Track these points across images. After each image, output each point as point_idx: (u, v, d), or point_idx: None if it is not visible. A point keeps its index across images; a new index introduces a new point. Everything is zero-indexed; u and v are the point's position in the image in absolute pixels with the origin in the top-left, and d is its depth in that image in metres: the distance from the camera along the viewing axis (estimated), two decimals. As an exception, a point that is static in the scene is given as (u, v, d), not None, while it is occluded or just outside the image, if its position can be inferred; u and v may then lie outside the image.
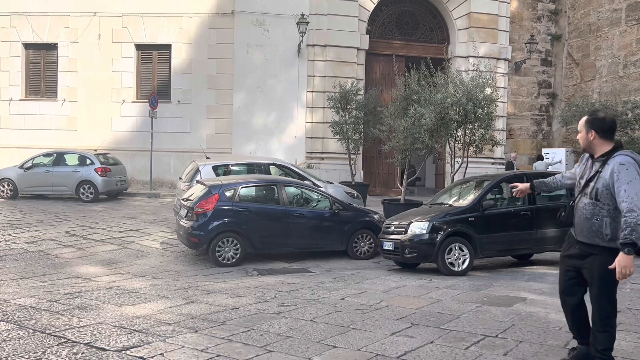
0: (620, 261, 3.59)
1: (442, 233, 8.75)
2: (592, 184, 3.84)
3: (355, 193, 13.83)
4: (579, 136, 4.01)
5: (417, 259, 8.92)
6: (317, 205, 10.79)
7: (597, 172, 3.82)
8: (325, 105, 19.59)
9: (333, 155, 19.87)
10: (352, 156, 18.09)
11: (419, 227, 8.82)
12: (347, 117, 17.51)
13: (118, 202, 17.50)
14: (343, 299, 6.87)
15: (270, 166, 13.14)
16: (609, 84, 20.19)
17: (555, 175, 4.54)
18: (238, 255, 9.87)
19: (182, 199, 10.60)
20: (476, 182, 9.84)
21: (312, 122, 20.08)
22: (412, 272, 9.33)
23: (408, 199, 14.16)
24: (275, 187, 10.43)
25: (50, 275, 8.88)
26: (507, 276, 8.81)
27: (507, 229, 9.14)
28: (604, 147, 3.85)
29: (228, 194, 9.98)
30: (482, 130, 10.81)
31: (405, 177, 14.10)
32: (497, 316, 5.92)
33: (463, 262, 8.84)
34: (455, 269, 8.79)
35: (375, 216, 11.11)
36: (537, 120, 22.66)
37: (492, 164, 21.33)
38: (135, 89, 20.90)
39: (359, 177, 19.38)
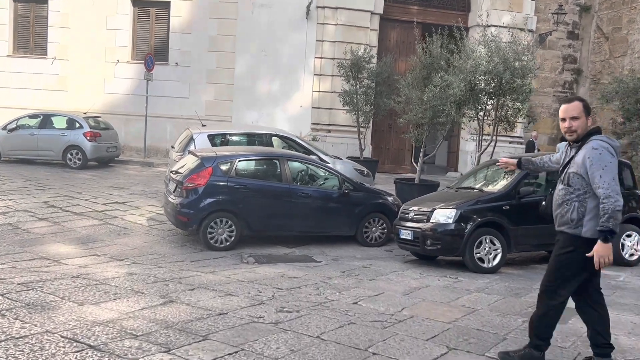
0: (598, 250, 3.52)
1: (471, 223, 7.48)
2: (566, 170, 3.77)
3: (366, 170, 12.53)
4: (576, 124, 3.74)
5: (440, 252, 7.66)
6: (324, 183, 9.50)
7: (572, 157, 3.75)
8: (334, 73, 18.14)
9: (341, 127, 18.50)
10: (361, 129, 16.74)
11: (444, 215, 7.54)
12: (357, 86, 16.09)
13: (108, 170, 16.24)
14: (356, 302, 5.63)
15: (273, 137, 11.80)
16: (642, 61, 18.66)
17: (543, 156, 4.35)
18: (233, 238, 8.63)
19: (172, 171, 9.32)
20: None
21: (319, 91, 18.66)
22: (431, 265, 8.08)
23: (423, 179, 12.87)
24: (277, 162, 9.13)
25: (13, 255, 7.65)
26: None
27: (542, 220, 7.82)
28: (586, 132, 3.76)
29: (223, 167, 8.69)
30: (518, 104, 9.44)
31: (421, 154, 12.77)
32: (554, 339, 4.68)
33: (494, 258, 7.59)
34: (485, 265, 7.55)
35: (390, 198, 9.84)
36: (560, 98, 21.16)
37: (510, 142, 19.94)
38: (130, 49, 19.43)
39: (368, 152, 18.04)
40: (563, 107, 3.84)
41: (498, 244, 7.56)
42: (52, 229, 9.18)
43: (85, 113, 16.89)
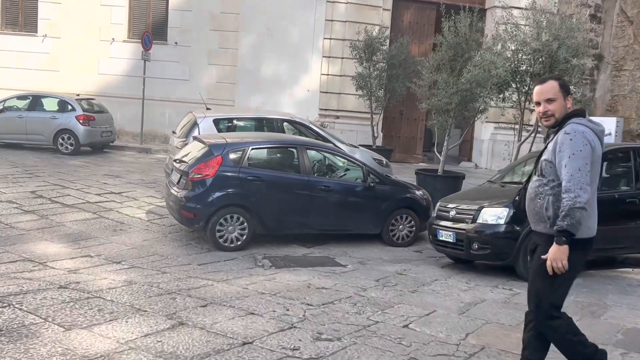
0: (551, 252, 3.10)
1: (527, 225, 6.41)
2: (540, 158, 3.35)
3: (385, 160, 11.47)
4: (553, 107, 3.27)
5: (489, 257, 6.63)
6: (347, 175, 8.45)
7: (547, 144, 3.33)
8: (344, 56, 17.03)
9: (351, 114, 17.41)
10: (374, 116, 15.66)
11: (493, 214, 6.51)
12: (371, 69, 14.98)
13: (102, 157, 15.11)
14: (407, 326, 4.62)
15: (284, 123, 10.71)
16: (670, 47, 17.61)
17: None
18: (244, 237, 7.58)
19: (175, 160, 8.24)
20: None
21: (328, 75, 17.53)
22: (474, 272, 7.06)
23: (447, 170, 11.83)
24: (295, 151, 8.05)
25: (-8, 256, 6.59)
26: (608, 285, 6.56)
27: (607, 221, 6.78)
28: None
29: (234, 156, 7.62)
30: (572, 87, 8.40)
31: (445, 143, 11.71)
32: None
33: (550, 265, 6.55)
34: (539, 273, 6.51)
35: (418, 192, 8.79)
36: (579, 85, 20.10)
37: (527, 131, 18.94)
38: (126, 27, 18.16)
39: (379, 140, 16.97)
40: (537, 88, 3.35)
41: (554, 249, 6.54)
42: (39, 224, 8.10)
43: (78, 95, 15.72)
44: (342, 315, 4.78)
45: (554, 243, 3.08)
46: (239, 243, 7.56)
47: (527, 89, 8.40)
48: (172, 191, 7.78)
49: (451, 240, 6.93)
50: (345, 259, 7.51)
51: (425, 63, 11.67)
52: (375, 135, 15.48)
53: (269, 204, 7.67)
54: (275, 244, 7.97)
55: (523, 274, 6.49)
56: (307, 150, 8.07)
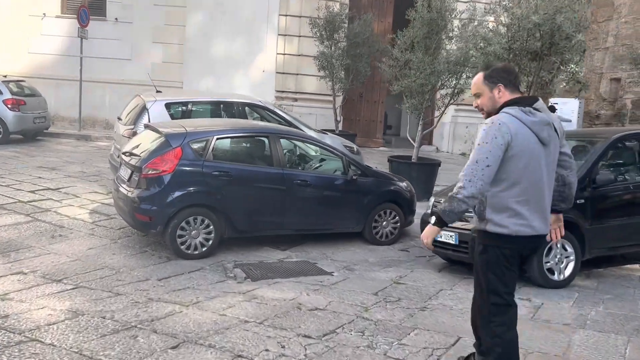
0: (426, 229, 3.16)
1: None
2: None
3: (355, 147, 10.55)
4: (480, 101, 3.19)
5: (499, 261, 5.78)
6: (325, 167, 7.45)
7: None
8: (301, 34, 15.93)
9: (310, 96, 16.37)
10: (335, 98, 14.70)
11: (502, 213, 5.65)
12: (333, 48, 13.95)
13: (36, 145, 13.50)
14: (436, 364, 3.69)
15: (246, 107, 9.58)
16: (630, 26, 17.37)
17: None
18: (210, 242, 6.49)
19: (124, 153, 7.00)
20: (574, 143, 6.72)
21: (284, 54, 16.39)
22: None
23: (421, 157, 11.04)
24: (266, 140, 6.98)
25: None
26: (628, 288, 5.87)
27: (625, 214, 6.16)
28: None
29: (196, 148, 6.48)
30: (573, 65, 7.66)
31: (420, 127, 10.90)
32: None
33: (565, 267, 5.81)
34: (555, 277, 5.77)
35: (402, 184, 7.91)
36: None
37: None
38: (59, 1, 16.38)
39: (339, 124, 16.03)
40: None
41: (570, 249, 5.79)
42: (-42, 232, 6.74)
43: (5, 76, 13.98)
44: (352, 352, 3.82)
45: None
46: (204, 249, 6.46)
47: (527, 67, 7.57)
48: (122, 190, 6.58)
49: (453, 242, 6.08)
50: (328, 264, 6.56)
51: (398, 41, 10.75)
52: (338, 119, 14.50)
53: (238, 202, 6.59)
54: (245, 248, 6.91)
55: (537, 279, 5.72)
56: (281, 140, 7.01)
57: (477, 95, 3.20)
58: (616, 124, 18.16)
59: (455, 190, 2.98)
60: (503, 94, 3.11)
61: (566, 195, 3.35)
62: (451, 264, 6.74)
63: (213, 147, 6.55)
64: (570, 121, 17.14)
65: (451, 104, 10.83)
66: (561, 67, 7.59)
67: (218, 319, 4.39)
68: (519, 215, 3.02)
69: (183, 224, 6.33)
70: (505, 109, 3.05)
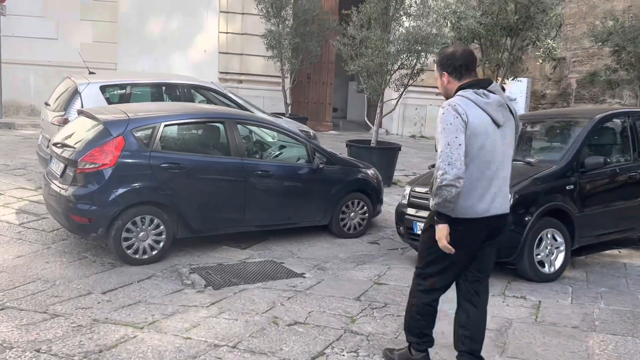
0: (436, 232, 3.03)
1: (532, 213, 5.16)
2: None
3: (312, 132, 9.89)
4: (437, 83, 3.26)
5: (487, 256, 5.28)
6: (287, 155, 6.75)
7: None
8: (245, 11, 15.00)
9: (256, 77, 15.49)
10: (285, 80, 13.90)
11: (491, 202, 5.14)
12: (280, 26, 13.12)
13: (-51, 136, 12.06)
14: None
15: (193, 90, 8.70)
16: (574, 5, 17.42)
17: None
18: (161, 245, 5.68)
19: (55, 144, 6.03)
20: (552, 124, 6.32)
21: (227, 33, 15.42)
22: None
23: (381, 141, 10.51)
24: (222, 127, 6.18)
25: None
26: (619, 278, 5.50)
27: (612, 200, 5.81)
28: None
29: (141, 136, 5.62)
30: (550, 41, 7.19)
31: (379, 109, 10.34)
32: None
33: (555, 259, 5.39)
34: (546, 270, 5.34)
35: (370, 172, 7.31)
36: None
37: (437, 94, 18.17)
38: (-29, -27, 14.71)
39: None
40: None
41: (560, 239, 5.37)
42: None
43: None
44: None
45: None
46: (154, 253, 5.64)
47: (502, 44, 7.08)
48: (54, 187, 5.64)
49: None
50: (296, 263, 5.89)
51: (351, 17, 10.09)
52: (288, 101, 13.74)
53: (192, 198, 5.79)
54: (200, 249, 6.14)
55: (527, 273, 5.27)
56: (238, 125, 6.23)
57: (437, 79, 3.25)
58: (561, 103, 18.30)
59: (438, 179, 2.92)
60: (450, 82, 3.16)
61: None
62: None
63: (161, 136, 5.70)
64: (515, 99, 17.09)
65: (410, 85, 10.32)
66: (537, 43, 7.17)
67: (182, 345, 3.64)
68: (469, 197, 3.03)
69: (129, 225, 5.48)
70: (458, 93, 3.09)
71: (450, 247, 3.00)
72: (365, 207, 7.06)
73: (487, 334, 4.02)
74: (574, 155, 5.54)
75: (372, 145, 10.06)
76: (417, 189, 5.87)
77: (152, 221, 5.60)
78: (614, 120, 6.09)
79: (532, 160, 5.66)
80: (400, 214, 5.96)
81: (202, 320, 4.13)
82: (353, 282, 5.26)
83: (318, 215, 6.73)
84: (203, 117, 6.22)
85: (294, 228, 6.74)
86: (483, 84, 3.12)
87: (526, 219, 5.13)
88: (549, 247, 5.30)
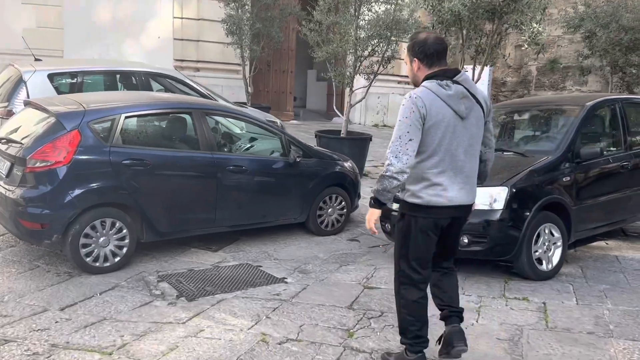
0: (368, 213, 3.19)
1: (532, 208, 4.84)
2: None
3: (279, 122, 9.40)
4: (407, 69, 3.23)
5: (484, 254, 4.92)
6: (261, 148, 6.24)
7: None
8: (201, -5, 14.26)
9: (214, 65, 14.80)
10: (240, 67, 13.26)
11: (488, 196, 4.78)
12: (240, 11, 12.47)
13: None
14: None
15: (151, 78, 8.05)
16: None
17: None
18: (125, 250, 5.10)
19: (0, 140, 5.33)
20: (540, 112, 6.02)
21: (182, 18, 14.64)
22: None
23: (350, 131, 10.10)
24: (189, 118, 5.61)
25: None
26: (616, 273, 5.26)
27: (605, 191, 5.57)
28: None
29: (99, 129, 5.00)
30: (535, 24, 6.85)
31: (348, 98, 9.91)
32: None
33: (552, 255, 5.09)
34: (543, 267, 5.03)
35: (347, 165, 6.88)
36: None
37: (399, 83, 17.91)
38: None
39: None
40: None
41: (557, 234, 5.07)
42: None
43: None
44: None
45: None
46: (116, 260, 5.06)
47: (480, 30, 6.73)
48: (0, 189, 4.97)
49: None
50: (275, 266, 5.41)
51: (318, 1, 9.59)
52: (250, 90, 13.13)
53: (158, 198, 5.23)
54: (167, 252, 5.59)
55: (525, 271, 4.95)
56: (207, 116, 5.67)
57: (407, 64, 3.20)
58: (522, 90, 18.34)
59: (384, 168, 3.00)
60: (420, 69, 3.13)
61: (481, 172, 3.36)
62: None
63: (122, 129, 5.10)
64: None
65: (380, 73, 9.92)
66: (523, 27, 6.86)
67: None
68: (435, 186, 3.07)
69: (87, 229, 4.88)
70: (423, 83, 3.08)
71: (375, 230, 3.16)
72: (343, 203, 6.64)
73: (501, 344, 3.68)
74: (569, 144, 5.25)
75: (342, 135, 9.62)
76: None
77: (113, 225, 5.01)
78: (605, 107, 5.84)
79: (524, 150, 5.33)
80: (385, 211, 5.53)
81: (180, 341, 3.61)
82: (341, 286, 4.83)
83: (295, 213, 6.26)
84: (168, 107, 5.61)
85: (268, 227, 6.25)
86: (449, 74, 3.09)
87: (525, 214, 4.80)
88: (546, 243, 5.00)
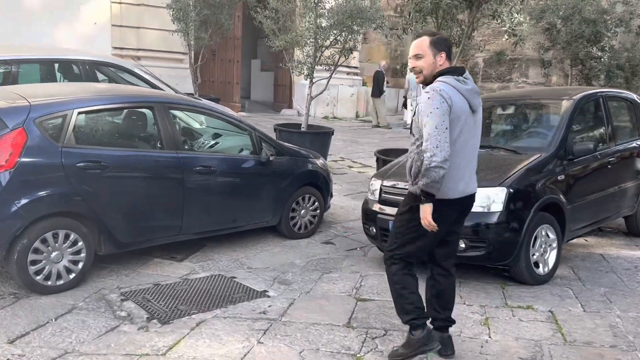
0: (421, 212, 3.13)
1: (531, 209, 4.56)
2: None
3: (236, 114, 8.76)
4: (421, 63, 3.20)
5: (482, 259, 4.58)
6: (228, 146, 5.68)
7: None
8: (141, -22, 13.35)
9: (156, 54, 13.94)
10: (184, 56, 12.53)
11: (486, 197, 4.45)
12: (186, -4, 11.69)
13: None
14: None
15: (97, 68, 7.29)
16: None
17: None
18: (81, 266, 4.46)
19: None
20: (524, 106, 5.77)
21: (121, 3, 13.67)
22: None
23: (311, 124, 9.66)
24: (150, 113, 4.99)
25: None
26: (609, 273, 5.09)
27: (594, 189, 5.39)
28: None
29: (48, 127, 4.32)
30: (517, 14, 6.54)
31: (308, 90, 9.45)
32: None
33: (548, 258, 4.85)
34: (540, 271, 4.78)
35: (319, 162, 6.43)
36: (395, 23, 19.24)
37: (347, 74, 17.59)
38: None
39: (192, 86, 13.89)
40: (412, 43, 3.28)
41: (553, 236, 4.82)
42: None
43: None
44: None
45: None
46: (71, 277, 4.41)
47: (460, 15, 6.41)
48: None
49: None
50: (251, 276, 4.91)
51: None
52: (198, 80, 12.40)
53: (117, 204, 4.60)
54: (126, 264, 4.98)
55: (523, 276, 4.68)
56: (170, 111, 5.06)
57: (418, 57, 3.20)
58: (469, 82, 18.42)
59: (426, 161, 3.00)
60: (444, 62, 3.20)
61: None
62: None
63: (74, 126, 4.43)
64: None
65: (341, 64, 9.51)
66: (502, 17, 6.60)
67: None
68: (451, 178, 3.12)
69: (37, 243, 4.22)
70: (440, 78, 3.15)
71: (435, 224, 3.09)
72: (316, 203, 6.20)
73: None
74: (561, 141, 5.01)
75: (302, 129, 9.15)
76: (388, 183, 5.05)
77: (67, 237, 4.36)
78: (591, 101, 5.65)
79: (515, 147, 5.06)
80: (371, 213, 5.13)
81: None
82: (331, 300, 4.38)
83: (267, 216, 5.76)
84: (127, 101, 4.93)
85: (235, 231, 5.72)
86: (460, 71, 3.23)
87: (524, 216, 4.51)
88: (543, 246, 4.74)
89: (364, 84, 18.28)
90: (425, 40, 3.21)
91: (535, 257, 4.69)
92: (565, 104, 5.33)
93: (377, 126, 15.80)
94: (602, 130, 5.65)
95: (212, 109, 5.57)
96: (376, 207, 5.09)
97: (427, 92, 3.09)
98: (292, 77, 17.66)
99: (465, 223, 4.38)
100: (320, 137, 9.03)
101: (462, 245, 4.46)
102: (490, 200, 4.47)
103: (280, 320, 3.96)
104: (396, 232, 3.35)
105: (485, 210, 4.47)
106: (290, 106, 17.44)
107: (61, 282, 4.35)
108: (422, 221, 3.10)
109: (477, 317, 4.07)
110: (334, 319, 3.99)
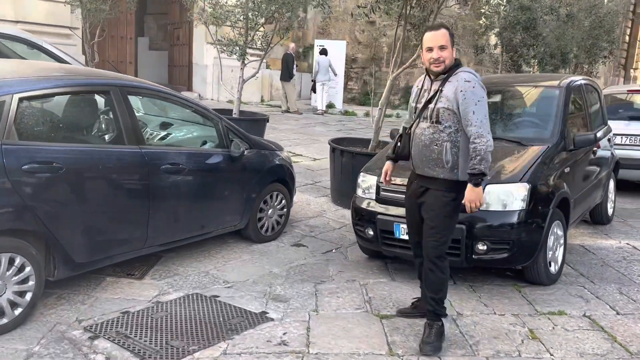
0: (470, 194, 3.21)
1: (550, 205, 4.24)
2: (431, 106, 3.35)
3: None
4: (444, 53, 3.29)
5: (504, 262, 4.17)
6: (190, 138, 4.80)
7: (438, 91, 3.34)
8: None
9: (39, 27, 12.06)
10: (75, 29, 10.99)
11: (506, 194, 4.05)
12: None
13: None
14: None
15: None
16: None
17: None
18: (29, 297, 3.44)
19: None
20: (509, 94, 5.47)
21: (-7, -34, 11.66)
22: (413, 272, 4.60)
23: (243, 111, 8.85)
24: (106, 99, 3.98)
25: None
26: (607, 262, 4.97)
27: (585, 180, 5.25)
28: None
29: (-24, 118, 3.22)
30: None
31: (240, 74, 8.61)
32: None
33: (558, 255, 4.59)
34: (552, 270, 4.50)
35: (283, 154, 5.72)
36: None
37: (251, 55, 16.68)
38: None
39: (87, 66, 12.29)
40: (429, 34, 3.34)
41: (560, 232, 4.56)
42: None
43: None
44: None
45: (471, 185, 3.19)
46: (17, 313, 3.39)
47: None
48: None
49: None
50: (234, 293, 4.16)
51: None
52: (95, 59, 10.92)
53: (74, 216, 3.61)
54: (74, 287, 4.03)
55: (542, 277, 4.37)
56: (129, 96, 4.08)
57: (443, 48, 3.28)
58: (373, 67, 18.33)
59: (484, 146, 3.12)
60: (454, 55, 3.37)
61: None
62: (372, 256, 5.01)
63: (15, 117, 3.36)
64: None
65: (276, 45, 8.76)
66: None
67: None
68: (466, 162, 3.27)
69: (-29, 274, 3.14)
70: (466, 69, 3.35)
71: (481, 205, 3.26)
72: (283, 201, 5.50)
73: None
74: (561, 130, 4.76)
75: (235, 115, 8.31)
76: (382, 181, 4.47)
77: (11, 262, 3.32)
78: (576, 89, 5.46)
79: (519, 138, 4.73)
80: (367, 214, 4.54)
81: None
82: (350, 320, 3.76)
83: (235, 218, 4.97)
84: (77, 84, 3.85)
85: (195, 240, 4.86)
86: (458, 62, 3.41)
87: (545, 213, 4.19)
88: (555, 243, 4.47)
89: (268, 66, 17.50)
90: (446, 33, 3.34)
91: (549, 255, 4.40)
92: (551, 92, 5.12)
93: (287, 111, 15.15)
94: (583, 118, 5.53)
95: (176, 95, 4.61)
96: (376, 207, 4.51)
97: (468, 81, 3.22)
98: (191, 57, 16.44)
99: (487, 223, 4.01)
100: (255, 125, 8.25)
101: (483, 247, 4.04)
102: (513, 197, 4.08)
103: (310, 352, 3.28)
104: (444, 226, 3.34)
105: (507, 209, 4.08)
106: (189, 89, 16.23)
107: (5, 320, 3.31)
108: (471, 204, 3.18)
109: (519, 329, 3.67)
110: (370, 346, 3.38)
